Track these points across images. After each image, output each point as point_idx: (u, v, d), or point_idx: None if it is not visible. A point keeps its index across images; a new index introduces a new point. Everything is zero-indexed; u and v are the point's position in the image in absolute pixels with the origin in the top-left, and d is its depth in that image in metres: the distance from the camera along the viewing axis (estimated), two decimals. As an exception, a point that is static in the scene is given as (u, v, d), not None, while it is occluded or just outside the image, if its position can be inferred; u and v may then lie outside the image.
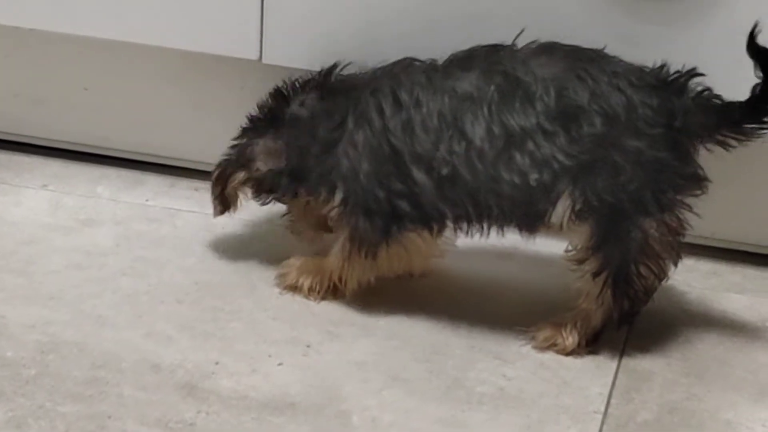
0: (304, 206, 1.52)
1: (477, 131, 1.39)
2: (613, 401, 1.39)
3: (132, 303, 1.49)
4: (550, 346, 1.43)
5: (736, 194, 1.59)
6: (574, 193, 1.39)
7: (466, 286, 1.57)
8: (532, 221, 1.42)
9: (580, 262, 1.41)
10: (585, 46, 1.42)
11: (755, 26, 1.37)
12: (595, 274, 1.40)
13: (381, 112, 1.43)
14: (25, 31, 1.65)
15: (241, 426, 1.32)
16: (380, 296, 1.53)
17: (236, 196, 1.51)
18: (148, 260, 1.56)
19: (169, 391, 1.36)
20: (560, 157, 1.38)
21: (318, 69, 1.57)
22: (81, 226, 1.61)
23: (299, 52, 1.60)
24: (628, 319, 1.44)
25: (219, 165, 1.50)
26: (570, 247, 1.43)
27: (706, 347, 1.48)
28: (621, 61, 1.41)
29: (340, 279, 1.49)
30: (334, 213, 1.47)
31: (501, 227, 1.43)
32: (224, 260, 1.58)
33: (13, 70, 1.71)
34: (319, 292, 1.50)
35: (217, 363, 1.40)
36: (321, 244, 1.55)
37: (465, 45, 1.52)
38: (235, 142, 1.50)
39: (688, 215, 1.42)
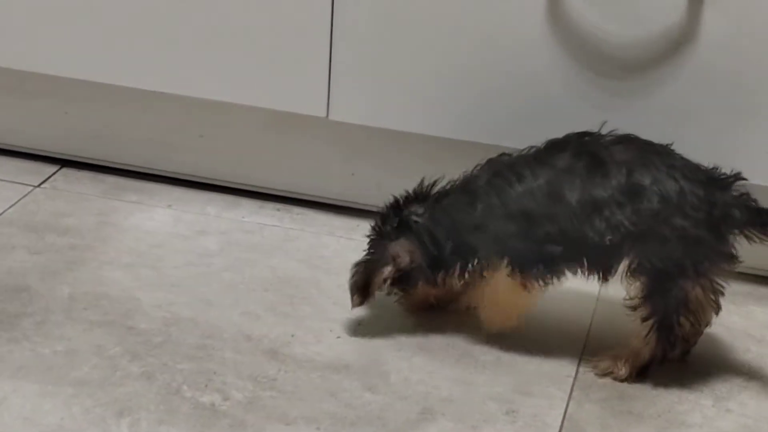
0: (422, 289, 1.42)
1: (573, 196, 1.33)
2: (581, 368, 1.38)
3: (231, 291, 1.48)
4: (608, 374, 1.37)
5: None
6: (631, 255, 1.33)
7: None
8: (606, 272, 1.35)
9: (634, 309, 1.35)
10: (648, 139, 1.36)
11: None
12: (644, 319, 1.34)
13: (510, 183, 1.35)
14: (156, 94, 1.62)
15: (310, 381, 1.33)
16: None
17: (378, 289, 1.40)
18: (243, 260, 1.54)
19: (257, 354, 1.37)
20: (626, 223, 1.32)
21: (381, 127, 1.55)
22: (195, 235, 1.60)
23: (361, 112, 1.56)
24: (667, 357, 1.37)
25: (362, 264, 1.39)
26: (628, 296, 1.35)
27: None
28: (681, 157, 1.35)
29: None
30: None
31: (585, 274, 1.36)
32: (298, 260, 1.55)
33: (147, 122, 1.68)
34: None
35: (292, 335, 1.41)
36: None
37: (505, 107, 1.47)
38: (370, 249, 1.40)
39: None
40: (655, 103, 1.46)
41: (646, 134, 1.38)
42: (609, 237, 1.32)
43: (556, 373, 1.38)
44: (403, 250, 1.39)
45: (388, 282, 1.39)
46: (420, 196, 1.40)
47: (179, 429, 1.25)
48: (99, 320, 1.41)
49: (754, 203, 1.34)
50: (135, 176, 1.72)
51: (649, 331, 1.34)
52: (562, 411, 1.31)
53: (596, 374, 1.38)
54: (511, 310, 1.39)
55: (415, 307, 1.45)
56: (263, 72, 1.56)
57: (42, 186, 1.68)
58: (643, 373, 1.37)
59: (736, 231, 1.33)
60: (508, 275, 1.35)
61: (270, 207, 1.67)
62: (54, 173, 1.71)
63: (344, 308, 1.44)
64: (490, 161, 1.38)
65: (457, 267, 1.37)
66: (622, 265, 1.33)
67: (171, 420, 1.26)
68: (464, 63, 1.50)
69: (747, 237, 1.33)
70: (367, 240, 1.41)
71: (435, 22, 1.49)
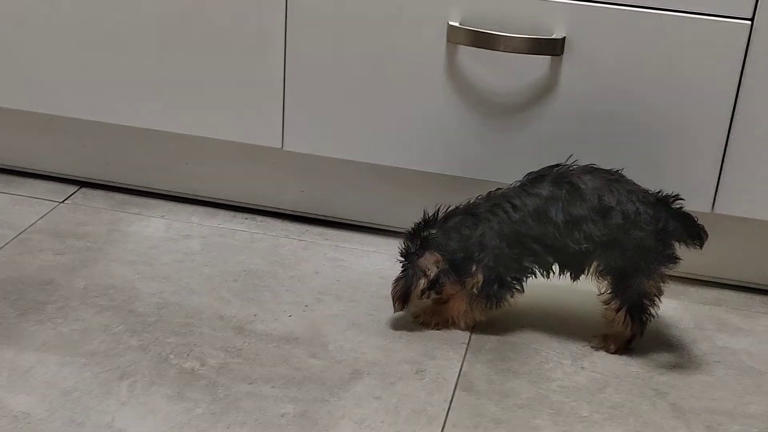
0: (448, 289, 1.49)
1: (559, 217, 1.43)
2: (473, 336, 1.50)
3: (209, 281, 1.57)
4: (602, 348, 1.50)
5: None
6: (600, 259, 1.43)
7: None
8: (579, 272, 1.46)
9: (607, 302, 1.46)
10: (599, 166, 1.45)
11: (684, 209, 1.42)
12: (617, 309, 1.46)
13: (507, 212, 1.44)
14: (152, 131, 1.70)
15: (268, 350, 1.42)
16: (353, 282, 1.59)
17: (415, 296, 1.47)
18: (219, 258, 1.63)
19: (228, 330, 1.46)
20: (598, 234, 1.42)
21: (326, 156, 1.61)
22: (182, 238, 1.68)
23: (310, 143, 1.62)
24: (643, 329, 1.48)
25: (401, 280, 1.46)
26: (599, 292, 1.46)
27: (529, 304, 1.54)
28: (634, 183, 1.45)
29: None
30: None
31: (564, 274, 1.47)
32: (261, 257, 1.63)
33: (146, 152, 1.76)
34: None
35: (255, 315, 1.49)
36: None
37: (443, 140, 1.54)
38: (403, 269, 1.47)
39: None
40: (526, 137, 1.57)
41: (522, 161, 1.51)
42: (584, 245, 1.43)
43: (454, 340, 1.49)
44: (429, 263, 1.46)
45: (424, 291, 1.47)
46: (429, 222, 1.48)
47: (167, 389, 1.34)
48: (107, 305, 1.50)
49: (690, 218, 1.44)
50: (137, 194, 1.81)
51: (624, 318, 1.47)
52: (458, 369, 1.42)
53: (592, 347, 1.50)
54: (463, 317, 1.51)
55: (434, 322, 1.52)
56: (230, 112, 1.65)
57: (65, 202, 1.77)
58: (628, 345, 1.49)
59: (676, 240, 1.45)
60: (465, 297, 1.47)
61: (240, 216, 1.77)
62: (74, 192, 1.81)
63: (295, 294, 1.55)
64: (489, 193, 1.48)
65: (469, 271, 1.45)
66: (592, 267, 1.45)
67: (161, 381, 1.35)
68: (388, 104, 1.59)
69: (686, 244, 1.45)
70: (400, 262, 1.48)
71: (366, 73, 1.58)
